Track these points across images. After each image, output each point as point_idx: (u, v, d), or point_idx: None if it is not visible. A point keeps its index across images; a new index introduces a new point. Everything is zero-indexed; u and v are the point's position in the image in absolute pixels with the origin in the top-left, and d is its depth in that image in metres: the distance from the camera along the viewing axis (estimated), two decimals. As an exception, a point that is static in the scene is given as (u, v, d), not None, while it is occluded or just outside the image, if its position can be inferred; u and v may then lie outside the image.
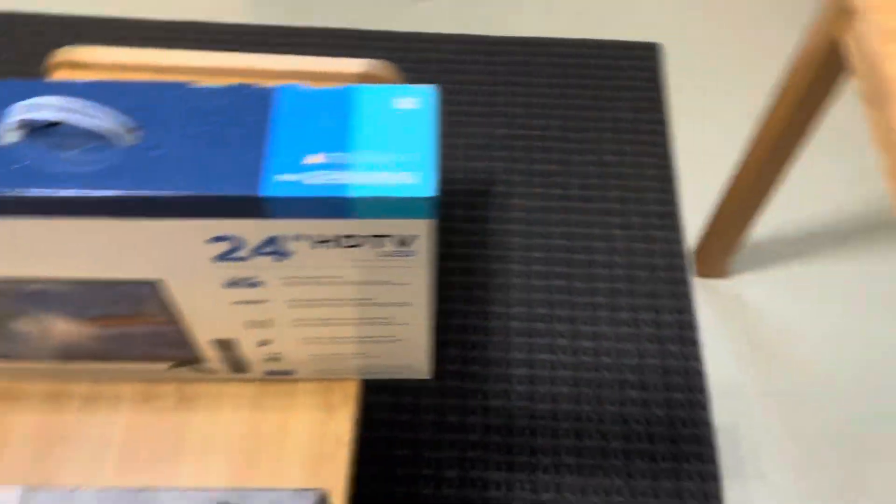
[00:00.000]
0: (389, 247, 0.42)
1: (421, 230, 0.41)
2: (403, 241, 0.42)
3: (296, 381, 0.55)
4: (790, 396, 1.00)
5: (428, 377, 0.64)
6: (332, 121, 0.42)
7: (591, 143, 1.23)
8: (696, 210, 1.17)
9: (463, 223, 1.15)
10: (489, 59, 1.34)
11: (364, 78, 0.76)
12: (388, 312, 0.48)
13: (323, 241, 0.41)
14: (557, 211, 1.16)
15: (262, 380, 0.55)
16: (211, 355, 0.51)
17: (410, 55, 1.35)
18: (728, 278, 1.10)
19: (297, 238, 0.41)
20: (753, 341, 1.04)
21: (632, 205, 1.16)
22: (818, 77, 0.74)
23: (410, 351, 0.52)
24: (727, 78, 1.34)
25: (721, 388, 1.00)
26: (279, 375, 0.54)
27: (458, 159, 1.22)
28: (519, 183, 1.19)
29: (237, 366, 0.53)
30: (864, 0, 0.58)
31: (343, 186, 0.39)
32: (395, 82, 0.84)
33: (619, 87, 1.31)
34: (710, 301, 1.08)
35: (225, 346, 0.50)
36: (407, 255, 0.43)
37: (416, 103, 0.42)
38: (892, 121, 0.49)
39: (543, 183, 1.19)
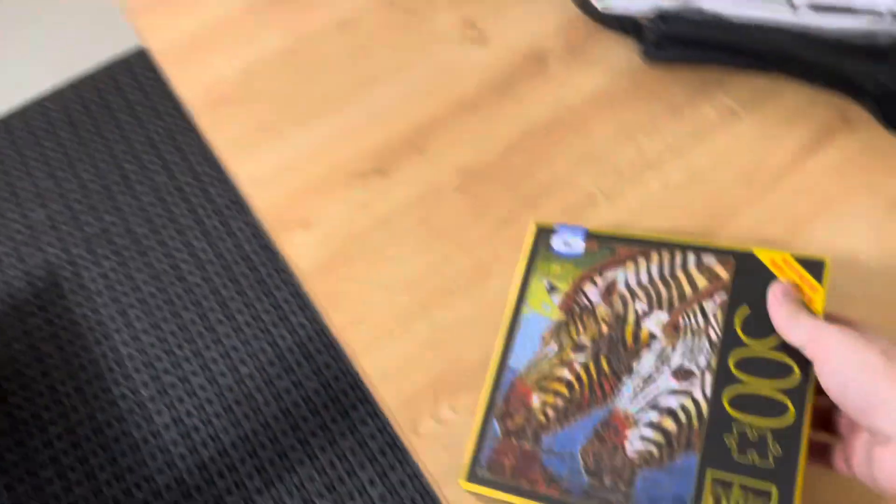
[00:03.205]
0: None
1: None
2: None
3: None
4: None
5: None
6: None
7: (136, 180, 1.18)
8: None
9: (46, 327, 1.07)
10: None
11: None
12: None
13: None
14: (141, 266, 1.11)
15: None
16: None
17: None
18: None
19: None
20: None
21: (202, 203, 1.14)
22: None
23: None
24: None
25: None
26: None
27: (12, 268, 1.11)
28: (83, 256, 1.12)
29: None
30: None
31: None
32: None
33: (130, 104, 1.25)
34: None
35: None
36: None
37: None
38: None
39: (107, 240, 1.13)
